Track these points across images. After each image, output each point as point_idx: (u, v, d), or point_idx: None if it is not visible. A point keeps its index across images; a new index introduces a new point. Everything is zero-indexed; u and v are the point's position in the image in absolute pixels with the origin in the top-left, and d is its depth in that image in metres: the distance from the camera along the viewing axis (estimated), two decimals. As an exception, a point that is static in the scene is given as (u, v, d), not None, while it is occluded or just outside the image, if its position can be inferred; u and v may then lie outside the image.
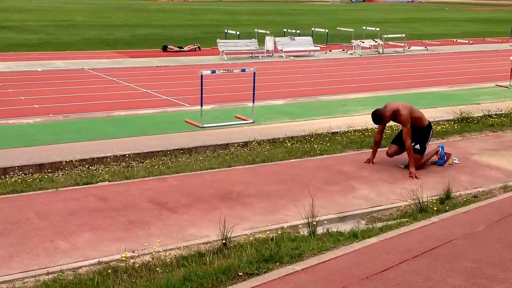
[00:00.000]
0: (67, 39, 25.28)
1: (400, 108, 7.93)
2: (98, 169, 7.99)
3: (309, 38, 22.76)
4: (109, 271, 4.73)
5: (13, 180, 7.41)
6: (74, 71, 16.89)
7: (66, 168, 7.95)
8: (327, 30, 25.81)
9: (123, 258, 4.99)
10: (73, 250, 5.29)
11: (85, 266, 4.96)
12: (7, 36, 25.86)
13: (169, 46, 22.21)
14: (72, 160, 8.07)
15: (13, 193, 6.85)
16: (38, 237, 5.56)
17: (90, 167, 8.04)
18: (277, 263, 4.56)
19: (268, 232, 5.65)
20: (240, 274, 4.34)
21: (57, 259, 5.10)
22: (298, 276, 4.27)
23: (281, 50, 21.14)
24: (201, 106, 10.52)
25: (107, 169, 8.01)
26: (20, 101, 12.53)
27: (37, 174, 7.67)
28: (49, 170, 7.82)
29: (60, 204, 6.47)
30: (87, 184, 7.24)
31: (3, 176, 7.53)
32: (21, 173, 7.65)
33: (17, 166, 7.73)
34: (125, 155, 8.47)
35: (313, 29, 26.14)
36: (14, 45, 22.56)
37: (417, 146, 8.08)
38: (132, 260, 5.01)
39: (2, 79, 15.23)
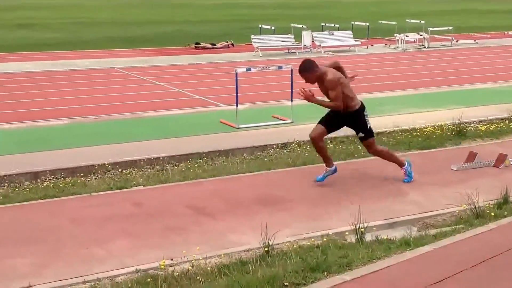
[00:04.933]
0: (91, 37, 25.68)
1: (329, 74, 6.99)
2: (132, 173, 8.10)
3: (349, 32, 22.62)
4: (148, 279, 4.79)
5: (44, 184, 7.57)
6: (103, 70, 17.19)
7: (99, 172, 8.08)
8: (368, 24, 25.59)
9: (162, 266, 5.05)
10: (109, 257, 5.38)
11: (122, 274, 5.04)
12: (29, 35, 26.46)
13: (201, 43, 22.40)
14: (104, 164, 8.20)
15: (45, 199, 6.99)
16: (72, 244, 5.66)
17: (123, 171, 8.16)
18: (325, 273, 4.54)
19: (312, 239, 5.64)
20: (285, 284, 4.33)
21: (93, 267, 5.19)
22: (347, 287, 4.24)
23: (319, 45, 21.06)
24: (236, 105, 10.55)
25: (140, 172, 8.12)
26: (49, 102, 12.80)
27: (69, 178, 7.81)
28: (81, 174, 7.96)
29: (94, 210, 6.58)
30: (121, 189, 7.35)
31: (34, 181, 7.69)
32: (53, 178, 7.81)
33: (48, 170, 7.89)
34: (158, 158, 8.56)
35: (353, 22, 25.96)
36: (38, 45, 23.04)
37: (361, 134, 7.33)
38: (171, 268, 5.06)
39: (29, 79, 15.59)
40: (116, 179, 7.81)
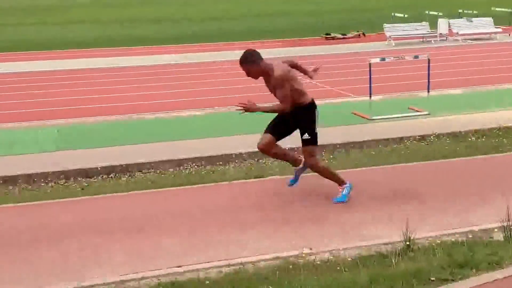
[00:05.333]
0: (231, 30, 26.42)
1: (276, 70, 6.16)
2: (267, 163, 8.32)
3: (489, 19, 21.47)
4: (289, 266, 4.93)
5: (187, 172, 8.02)
6: (232, 62, 17.71)
7: (236, 161, 8.40)
8: (510, 10, 24.09)
9: (304, 254, 5.16)
10: (248, 243, 5.58)
11: (263, 260, 5.21)
12: (161, 30, 27.79)
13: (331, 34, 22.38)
14: (241, 153, 8.51)
15: (188, 185, 7.40)
16: (215, 229, 5.94)
17: (259, 160, 8.41)
18: (473, 270, 4.41)
19: (456, 235, 5.49)
20: (432, 279, 4.27)
21: (234, 252, 5.40)
22: (499, 285, 4.10)
23: (457, 33, 20.23)
24: (370, 96, 10.49)
25: (276, 162, 8.32)
26: (193, 92, 13.42)
27: (209, 166, 8.21)
28: (220, 163, 8.33)
29: (234, 197, 6.86)
30: (257, 178, 7.59)
31: (178, 168, 8.18)
32: (194, 165, 8.24)
33: (190, 158, 8.35)
34: (293, 148, 8.68)
35: (493, 8, 24.57)
36: (168, 39, 24.02)
37: (306, 136, 6.35)
38: (311, 257, 5.16)
39: (158, 72, 16.42)
40: (253, 168, 8.08)
